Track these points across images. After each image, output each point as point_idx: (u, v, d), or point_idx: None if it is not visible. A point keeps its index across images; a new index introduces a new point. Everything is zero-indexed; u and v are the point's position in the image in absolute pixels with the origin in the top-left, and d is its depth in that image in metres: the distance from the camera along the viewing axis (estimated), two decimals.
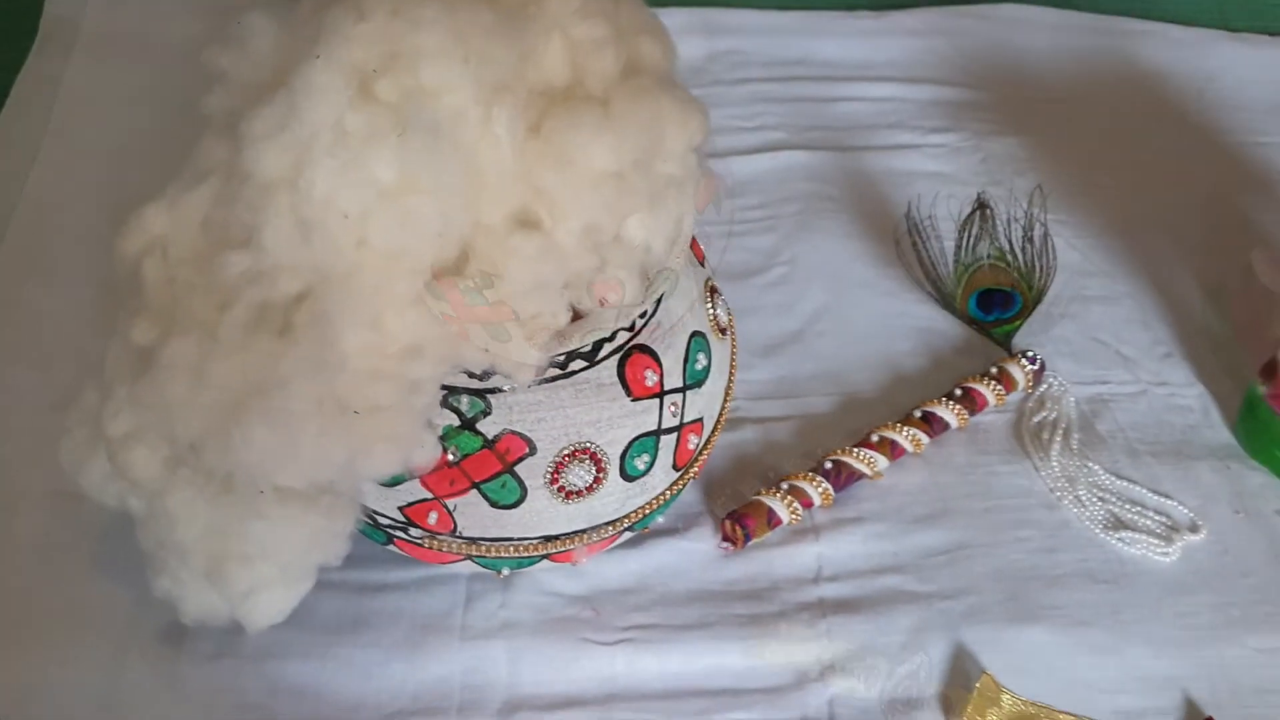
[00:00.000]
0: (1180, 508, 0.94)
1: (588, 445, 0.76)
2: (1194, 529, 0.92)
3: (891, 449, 0.94)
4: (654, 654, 0.84)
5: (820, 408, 1.01)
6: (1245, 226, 1.17)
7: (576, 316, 0.74)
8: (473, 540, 0.78)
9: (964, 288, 1.07)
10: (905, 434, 0.95)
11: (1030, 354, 1.01)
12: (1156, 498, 0.94)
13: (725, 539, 0.90)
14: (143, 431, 0.68)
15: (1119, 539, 0.91)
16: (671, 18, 1.41)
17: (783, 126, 1.31)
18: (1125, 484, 0.95)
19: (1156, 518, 0.93)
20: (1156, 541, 0.91)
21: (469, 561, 0.80)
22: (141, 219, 0.69)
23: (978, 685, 0.81)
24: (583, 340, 0.72)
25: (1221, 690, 0.83)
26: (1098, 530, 0.92)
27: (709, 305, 0.83)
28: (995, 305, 1.05)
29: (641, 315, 0.76)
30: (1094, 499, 0.93)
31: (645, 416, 0.77)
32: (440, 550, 0.79)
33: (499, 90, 0.65)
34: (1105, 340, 1.07)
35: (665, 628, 0.85)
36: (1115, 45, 1.45)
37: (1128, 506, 0.93)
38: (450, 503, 0.76)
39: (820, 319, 1.09)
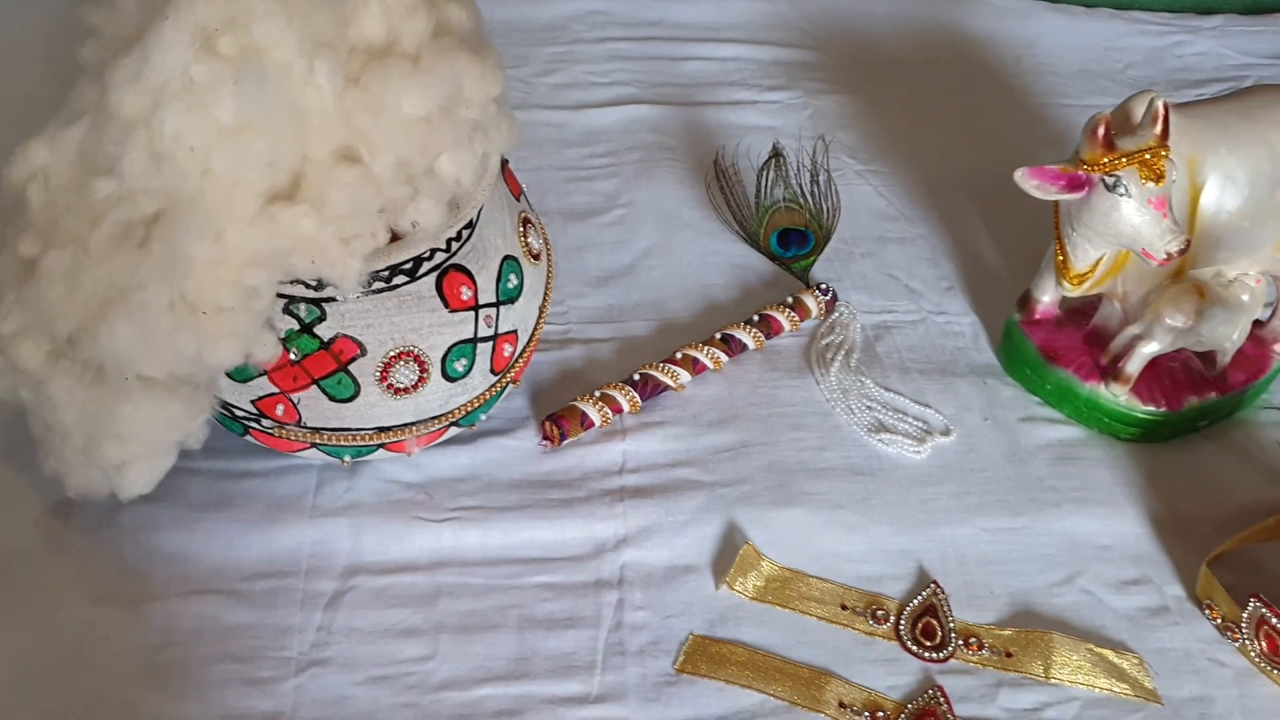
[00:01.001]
0: (937, 415, 1.09)
1: (412, 349, 0.90)
2: (946, 432, 1.07)
3: (693, 365, 1.09)
4: (477, 530, 0.98)
5: (641, 331, 1.15)
6: None
7: (395, 239, 0.88)
8: (316, 430, 0.92)
9: (765, 227, 1.21)
10: (706, 353, 1.10)
11: (823, 286, 1.16)
12: (918, 407, 1.09)
13: (545, 437, 1.04)
14: (28, 329, 0.81)
15: (880, 440, 1.06)
16: None
17: (634, 82, 1.45)
18: (892, 395, 1.10)
19: (915, 423, 1.08)
20: (911, 442, 1.06)
21: (315, 450, 0.94)
22: (26, 151, 0.82)
23: (741, 553, 0.96)
24: (400, 257, 0.86)
25: (950, 561, 0.99)
26: (862, 433, 1.07)
27: (521, 234, 0.97)
28: (793, 242, 1.20)
29: (457, 238, 0.90)
30: (863, 407, 1.09)
31: (462, 326, 0.91)
32: (289, 439, 0.93)
33: (320, 47, 0.79)
34: (897, 275, 1.23)
35: (488, 509, 0.99)
36: (945, 13, 1.61)
37: (891, 414, 1.08)
38: (294, 396, 0.90)
39: (649, 255, 1.23)
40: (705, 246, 1.24)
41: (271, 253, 0.80)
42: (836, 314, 1.16)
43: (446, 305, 0.90)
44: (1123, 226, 0.95)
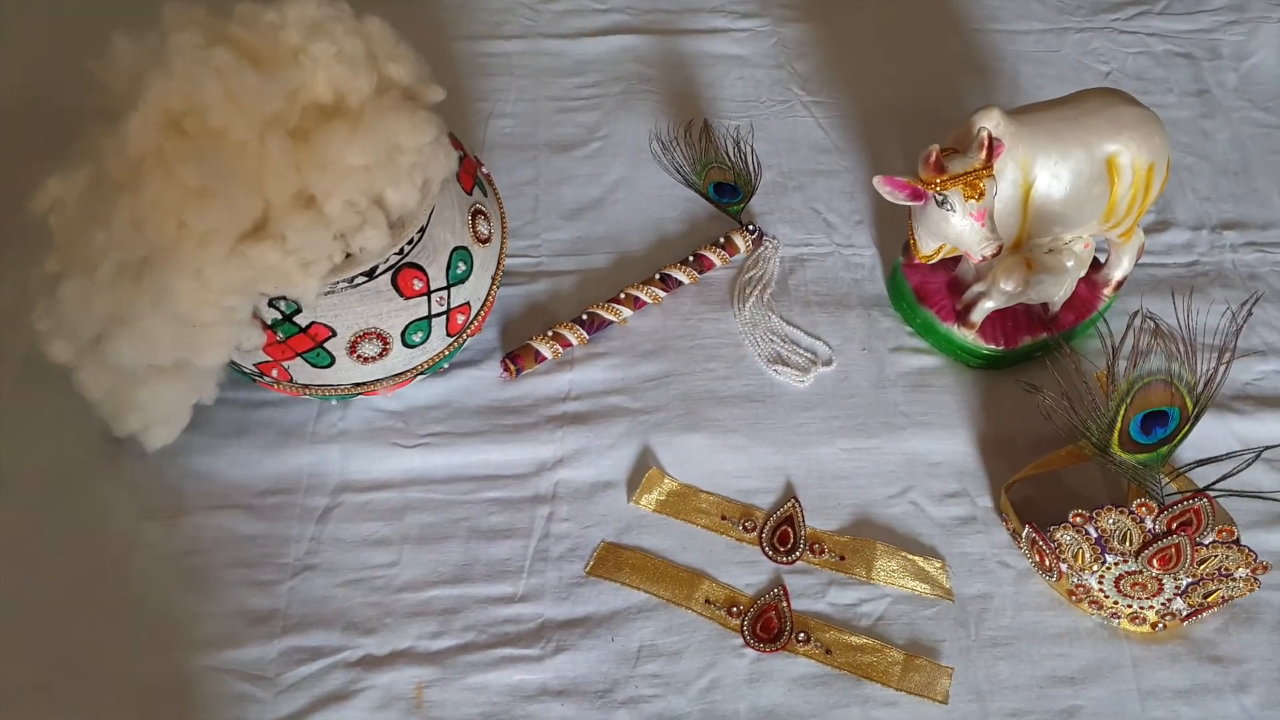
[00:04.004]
0: (825, 346, 1.11)
1: (374, 329, 0.94)
2: (828, 362, 1.10)
3: (635, 303, 1.12)
4: (442, 453, 1.03)
5: (600, 264, 1.17)
6: (957, 110, 1.24)
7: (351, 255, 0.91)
8: (305, 385, 0.97)
9: (704, 179, 1.21)
10: (646, 291, 1.12)
11: (751, 226, 1.17)
12: (810, 339, 1.11)
13: (505, 370, 1.08)
14: (57, 330, 0.87)
15: (775, 370, 1.09)
16: None
17: (626, 10, 1.42)
18: (791, 329, 1.12)
19: (805, 354, 1.10)
20: (798, 373, 1.08)
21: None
22: (47, 186, 0.86)
23: (649, 474, 1.01)
24: (353, 272, 0.90)
25: (812, 476, 1.02)
26: (763, 364, 1.09)
27: (471, 224, 0.99)
28: (726, 193, 1.20)
29: (410, 242, 0.93)
30: (767, 339, 1.11)
31: (417, 308, 0.95)
32: (285, 390, 0.98)
33: (270, 123, 0.81)
34: (818, 209, 1.22)
35: (453, 434, 1.04)
36: None
37: (788, 346, 1.11)
38: (285, 364, 0.95)
39: (617, 189, 1.23)
40: (664, 181, 1.24)
41: (244, 281, 0.84)
42: (763, 249, 1.17)
43: (401, 295, 0.94)
44: (950, 233, 0.96)
